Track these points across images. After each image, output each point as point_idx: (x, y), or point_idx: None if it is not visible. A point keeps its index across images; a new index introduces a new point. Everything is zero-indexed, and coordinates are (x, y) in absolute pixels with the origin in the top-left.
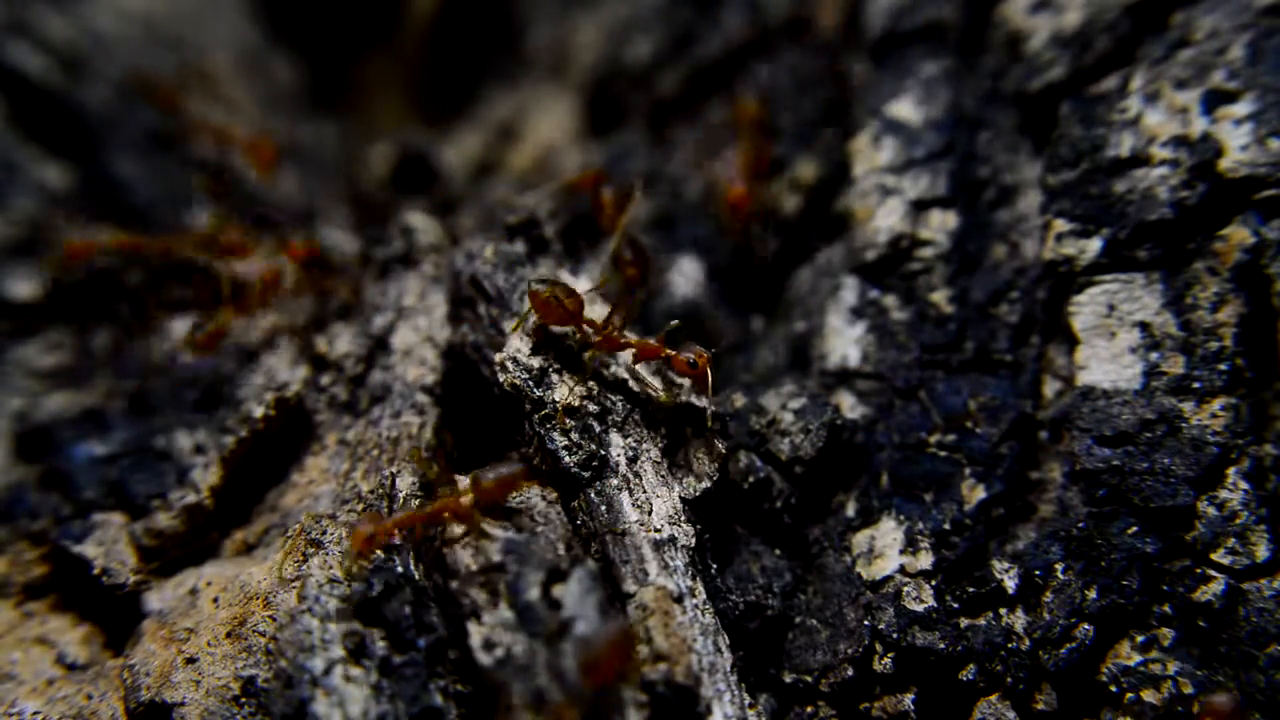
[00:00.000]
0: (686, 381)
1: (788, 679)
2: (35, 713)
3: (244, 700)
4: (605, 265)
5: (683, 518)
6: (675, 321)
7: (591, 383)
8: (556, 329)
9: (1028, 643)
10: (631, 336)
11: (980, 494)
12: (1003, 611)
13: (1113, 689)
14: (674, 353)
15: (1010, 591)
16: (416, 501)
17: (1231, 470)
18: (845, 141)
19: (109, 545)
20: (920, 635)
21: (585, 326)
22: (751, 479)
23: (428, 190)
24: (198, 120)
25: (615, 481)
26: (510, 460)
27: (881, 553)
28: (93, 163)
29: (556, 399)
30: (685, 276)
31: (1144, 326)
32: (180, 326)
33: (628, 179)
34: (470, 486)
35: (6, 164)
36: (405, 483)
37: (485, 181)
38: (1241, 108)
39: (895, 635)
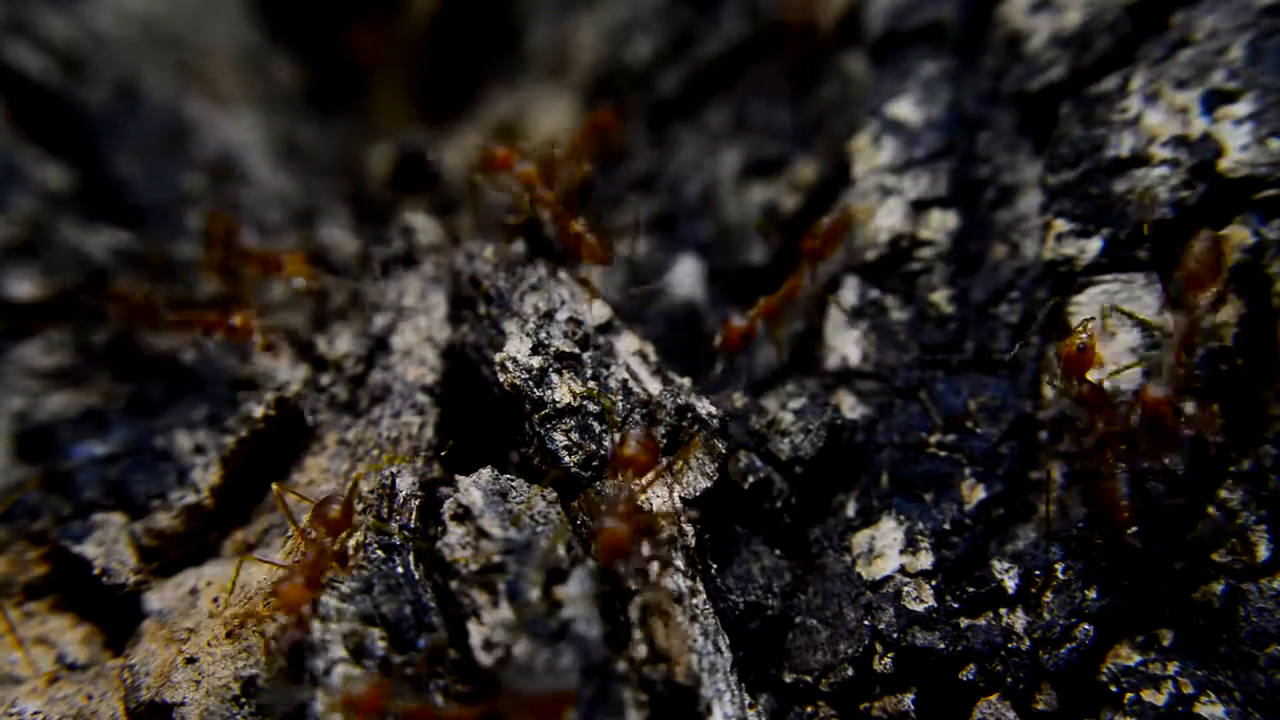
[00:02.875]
0: (686, 381)
1: (788, 679)
2: (35, 713)
3: (244, 700)
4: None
5: (683, 517)
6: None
7: (592, 383)
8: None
9: (1028, 643)
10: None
11: (980, 494)
12: (1003, 611)
13: (1113, 689)
14: (608, 524)
15: (1010, 591)
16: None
17: (1232, 470)
18: (845, 141)
19: (109, 545)
20: (920, 635)
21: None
22: (751, 479)
23: (428, 190)
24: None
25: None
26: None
27: (881, 553)
28: (93, 163)
29: (557, 399)
30: (685, 276)
31: (1144, 326)
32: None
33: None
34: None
35: (6, 164)
36: (405, 483)
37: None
38: (1241, 108)
39: (895, 635)
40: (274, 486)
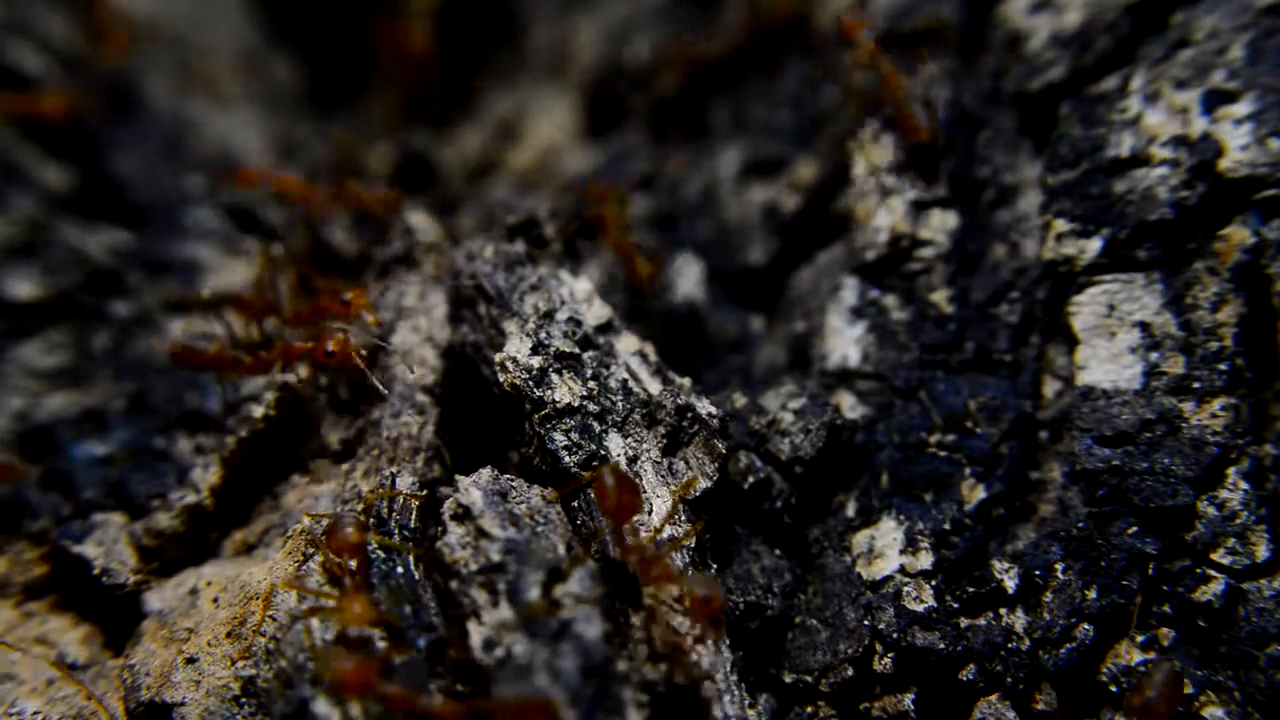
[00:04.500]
0: (686, 381)
1: (788, 679)
2: (35, 713)
3: (244, 700)
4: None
5: (683, 518)
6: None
7: (592, 383)
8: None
9: (1028, 643)
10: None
11: (980, 494)
12: (1003, 611)
13: (1113, 689)
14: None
15: (1010, 591)
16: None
17: (1231, 470)
18: (845, 141)
19: (109, 545)
20: (920, 635)
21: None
22: (751, 479)
23: (428, 190)
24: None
25: None
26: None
27: (881, 553)
28: (93, 163)
29: (557, 399)
30: (685, 276)
31: (1144, 326)
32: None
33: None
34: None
35: (6, 164)
36: (405, 482)
37: (485, 181)
38: (1241, 108)
39: (895, 635)
40: (305, 517)
